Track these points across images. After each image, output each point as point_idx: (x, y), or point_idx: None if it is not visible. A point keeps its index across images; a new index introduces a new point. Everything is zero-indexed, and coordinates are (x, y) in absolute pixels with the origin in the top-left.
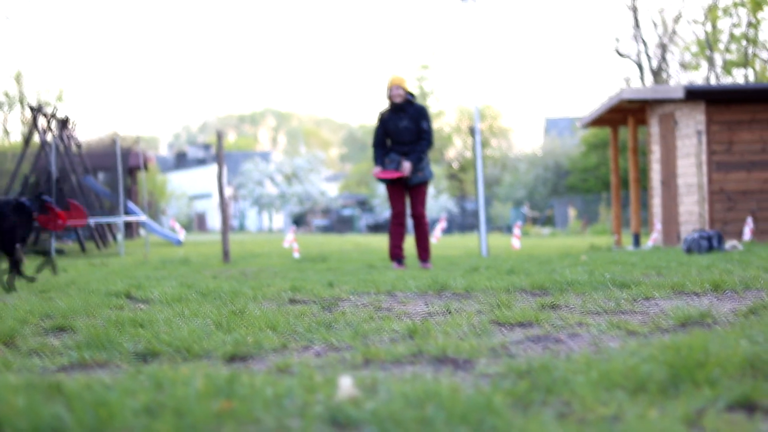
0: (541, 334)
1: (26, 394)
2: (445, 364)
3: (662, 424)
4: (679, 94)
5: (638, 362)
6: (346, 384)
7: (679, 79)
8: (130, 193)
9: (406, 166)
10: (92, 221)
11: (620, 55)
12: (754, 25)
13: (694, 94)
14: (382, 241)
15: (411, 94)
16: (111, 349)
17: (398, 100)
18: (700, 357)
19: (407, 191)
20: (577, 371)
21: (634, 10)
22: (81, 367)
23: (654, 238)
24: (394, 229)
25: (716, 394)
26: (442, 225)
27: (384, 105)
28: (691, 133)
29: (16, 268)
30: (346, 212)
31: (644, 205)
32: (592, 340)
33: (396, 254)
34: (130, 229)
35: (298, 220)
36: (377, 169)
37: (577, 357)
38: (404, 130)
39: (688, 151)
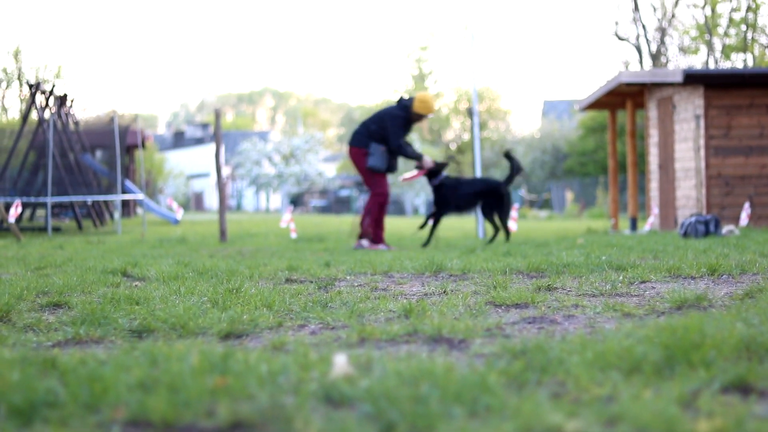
0: (537, 315)
1: (21, 368)
2: (440, 344)
3: (656, 404)
4: (678, 78)
5: (633, 343)
6: (340, 362)
7: (677, 63)
8: (128, 172)
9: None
10: (90, 199)
11: (619, 38)
12: (753, 9)
13: (693, 78)
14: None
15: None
16: (106, 326)
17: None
18: (696, 338)
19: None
20: (572, 352)
21: None
22: (76, 343)
23: (651, 222)
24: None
25: (711, 375)
26: None
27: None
28: (689, 117)
29: None
30: (344, 193)
31: (642, 189)
32: (588, 322)
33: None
34: (127, 207)
35: (296, 201)
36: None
37: (573, 338)
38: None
39: (686, 135)
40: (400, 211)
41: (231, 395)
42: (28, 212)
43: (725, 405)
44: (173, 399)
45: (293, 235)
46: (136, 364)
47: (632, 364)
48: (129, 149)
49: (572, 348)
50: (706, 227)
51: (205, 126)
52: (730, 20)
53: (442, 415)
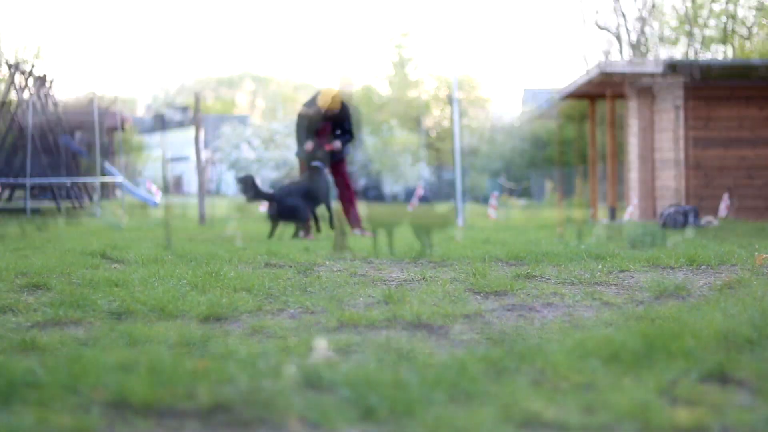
0: (516, 302)
1: (0, 349)
2: (419, 330)
3: (635, 392)
4: (659, 69)
5: (613, 332)
6: (320, 346)
7: (658, 54)
8: (107, 154)
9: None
10: (69, 181)
11: (600, 27)
12: (733, 1)
13: (674, 69)
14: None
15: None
16: (85, 307)
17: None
18: (675, 328)
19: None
20: (551, 339)
21: None
22: (55, 324)
23: (630, 212)
24: None
25: (690, 365)
26: (419, 193)
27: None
28: (669, 108)
29: None
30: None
31: (621, 179)
32: (567, 310)
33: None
34: (106, 189)
35: (275, 185)
36: None
37: (552, 325)
38: None
39: (665, 125)
40: (380, 197)
41: (211, 378)
42: (6, 193)
43: (704, 394)
44: (153, 381)
45: None
46: (116, 346)
47: (611, 352)
48: (108, 131)
49: (551, 336)
50: (685, 218)
51: (185, 109)
52: (711, 11)
53: (422, 400)
